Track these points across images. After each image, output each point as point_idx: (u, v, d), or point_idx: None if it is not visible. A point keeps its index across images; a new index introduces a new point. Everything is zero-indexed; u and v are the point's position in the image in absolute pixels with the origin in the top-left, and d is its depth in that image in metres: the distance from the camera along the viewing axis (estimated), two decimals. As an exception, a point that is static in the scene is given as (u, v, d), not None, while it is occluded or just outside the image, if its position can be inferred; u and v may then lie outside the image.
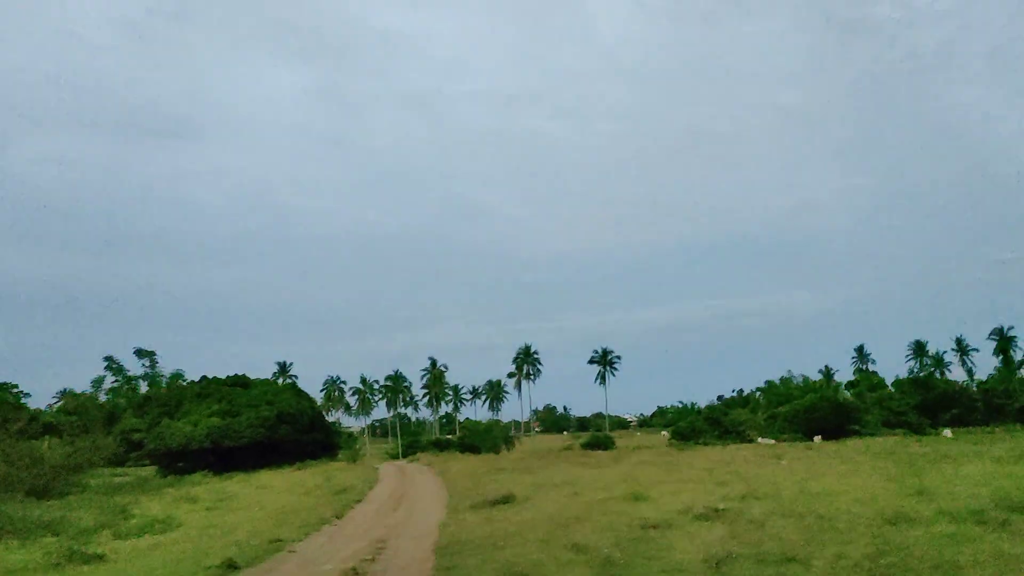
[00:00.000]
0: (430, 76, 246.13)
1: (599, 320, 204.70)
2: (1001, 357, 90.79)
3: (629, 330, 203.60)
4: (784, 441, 60.96)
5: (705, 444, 64.25)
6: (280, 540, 17.07)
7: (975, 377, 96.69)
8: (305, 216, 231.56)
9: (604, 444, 71.62)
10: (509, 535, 14.75)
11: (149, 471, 61.88)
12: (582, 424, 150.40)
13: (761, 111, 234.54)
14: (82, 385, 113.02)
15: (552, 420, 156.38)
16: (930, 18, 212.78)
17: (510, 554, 12.54)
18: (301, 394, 68.24)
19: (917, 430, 64.72)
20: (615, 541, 12.45)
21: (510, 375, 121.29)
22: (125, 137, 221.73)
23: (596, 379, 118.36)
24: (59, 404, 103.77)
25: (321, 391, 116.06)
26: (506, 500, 20.46)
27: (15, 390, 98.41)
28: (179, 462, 59.64)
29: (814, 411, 67.40)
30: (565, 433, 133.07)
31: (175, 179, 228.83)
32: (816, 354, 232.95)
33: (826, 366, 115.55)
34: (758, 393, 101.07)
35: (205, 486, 41.35)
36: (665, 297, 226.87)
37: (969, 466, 20.65)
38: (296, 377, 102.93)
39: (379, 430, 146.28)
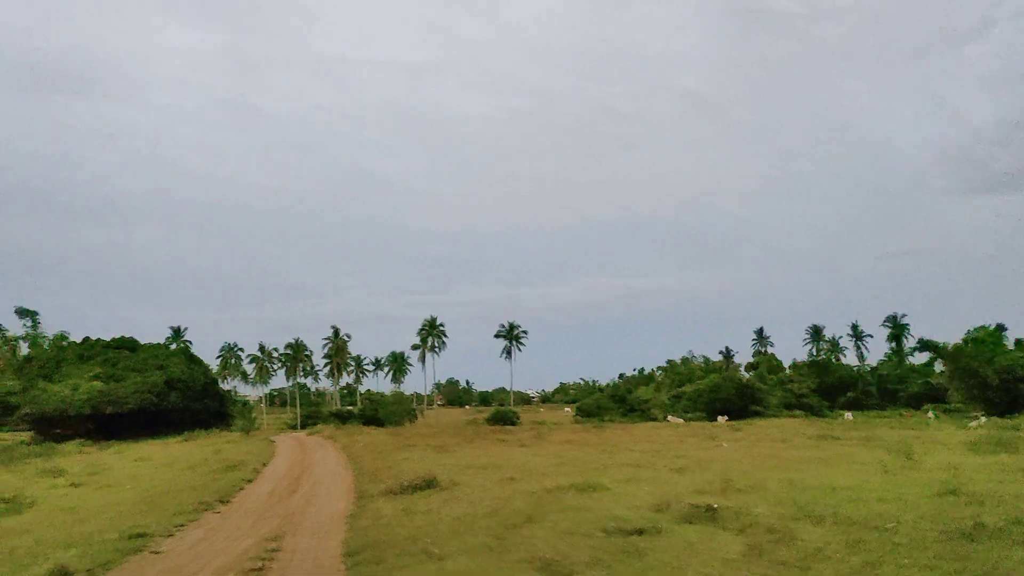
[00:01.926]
0: (334, 43, 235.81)
1: (502, 296, 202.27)
2: (894, 344, 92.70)
3: (532, 307, 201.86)
4: (691, 420, 59.81)
5: (610, 421, 62.74)
6: (143, 535, 13.00)
7: (866, 362, 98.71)
8: (203, 180, 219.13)
9: (509, 419, 69.13)
10: (441, 536, 11.21)
11: (26, 436, 55.54)
12: (484, 399, 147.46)
13: (665, 93, 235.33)
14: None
15: (455, 394, 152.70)
16: (831, 12, 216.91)
17: (451, 569, 9.02)
18: (194, 359, 62.56)
19: (816, 412, 64.68)
20: (594, 554, 9.04)
21: (414, 347, 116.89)
22: (10, 90, 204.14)
23: (502, 353, 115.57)
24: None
25: (217, 358, 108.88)
26: (428, 485, 16.82)
27: None
28: (56, 428, 53.71)
29: (719, 391, 66.48)
30: (468, 407, 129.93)
31: (65, 136, 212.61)
32: (716, 336, 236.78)
33: (726, 347, 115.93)
34: (659, 372, 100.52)
35: (78, 457, 36.23)
36: (569, 275, 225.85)
37: (948, 456, 18.26)
38: (190, 343, 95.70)
39: (277, 400, 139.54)
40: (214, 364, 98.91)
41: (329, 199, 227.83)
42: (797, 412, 63.78)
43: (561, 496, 13.45)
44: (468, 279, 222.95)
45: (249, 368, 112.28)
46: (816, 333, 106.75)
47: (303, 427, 74.27)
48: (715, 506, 11.04)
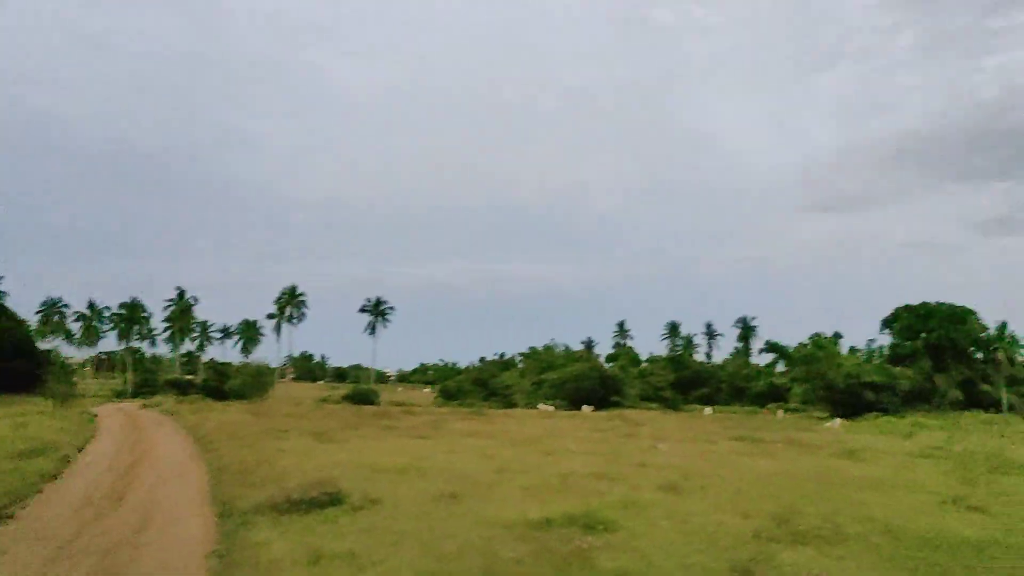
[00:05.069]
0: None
1: (365, 271, 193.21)
2: (741, 344, 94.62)
3: (394, 285, 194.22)
4: (559, 408, 56.78)
5: (471, 404, 58.96)
6: None
7: (711, 359, 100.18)
8: (42, 117, 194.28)
9: (367, 397, 63.12)
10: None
11: None
12: (340, 375, 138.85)
13: (548, 89, 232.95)
14: None
15: (307, 368, 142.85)
16: (702, 29, 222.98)
17: None
18: (5, 312, 52.10)
19: (671, 405, 63.42)
20: None
21: (269, 316, 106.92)
22: None
23: (366, 329, 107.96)
24: None
25: (37, 314, 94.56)
26: (331, 500, 11.22)
27: None
28: None
29: (582, 380, 63.83)
30: (321, 383, 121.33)
31: None
32: (577, 327, 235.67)
33: (588, 338, 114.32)
34: (519, 359, 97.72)
35: None
36: (434, 256, 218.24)
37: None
38: (6, 294, 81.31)
39: (107, 364, 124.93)
40: (34, 321, 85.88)
41: (186, 153, 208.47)
42: (653, 404, 62.26)
43: (570, 541, 8.42)
44: (331, 251, 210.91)
45: (75, 327, 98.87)
46: (673, 329, 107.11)
47: (136, 396, 64.78)
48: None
